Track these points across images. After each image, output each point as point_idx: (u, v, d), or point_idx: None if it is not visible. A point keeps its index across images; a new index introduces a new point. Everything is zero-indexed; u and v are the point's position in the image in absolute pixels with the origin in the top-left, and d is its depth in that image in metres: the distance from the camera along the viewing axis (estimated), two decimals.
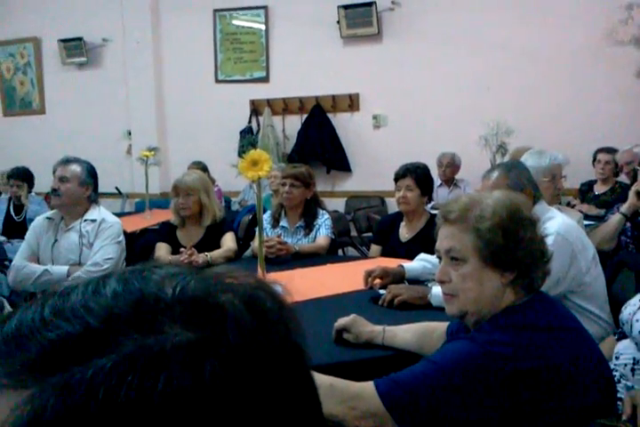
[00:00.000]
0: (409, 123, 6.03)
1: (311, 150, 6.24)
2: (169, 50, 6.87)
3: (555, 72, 5.49)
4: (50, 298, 0.39)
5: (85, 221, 2.89)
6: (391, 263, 2.61)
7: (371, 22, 5.94)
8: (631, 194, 3.04)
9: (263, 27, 6.52)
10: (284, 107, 6.47)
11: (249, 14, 6.59)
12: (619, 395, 1.69)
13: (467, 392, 1.21)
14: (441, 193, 5.43)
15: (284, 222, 3.41)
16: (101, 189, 3.09)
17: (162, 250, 3.24)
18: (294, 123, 6.44)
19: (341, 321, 1.76)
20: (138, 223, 4.55)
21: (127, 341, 0.35)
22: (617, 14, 5.26)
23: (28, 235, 2.95)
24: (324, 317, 1.89)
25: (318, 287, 2.41)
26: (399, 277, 2.47)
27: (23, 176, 5.02)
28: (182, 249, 3.04)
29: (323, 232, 3.32)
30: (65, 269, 2.81)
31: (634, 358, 1.80)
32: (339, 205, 6.12)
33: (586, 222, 3.27)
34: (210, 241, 3.23)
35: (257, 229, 2.53)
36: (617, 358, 1.85)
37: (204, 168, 5.63)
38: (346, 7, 5.95)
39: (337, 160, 6.28)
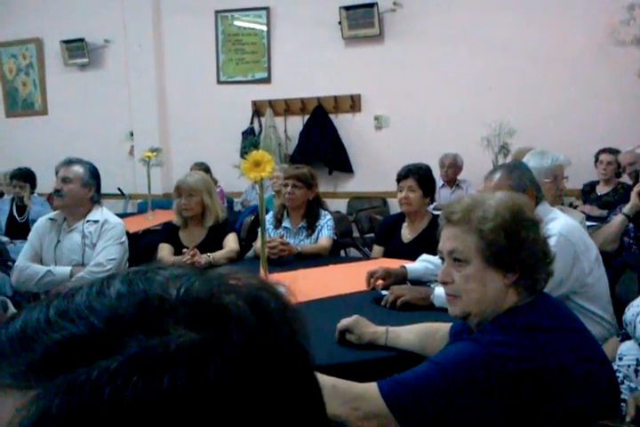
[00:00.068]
0: (411, 123, 6.03)
1: (313, 151, 6.24)
2: (171, 51, 6.88)
3: (557, 72, 5.49)
4: (55, 299, 0.39)
5: (88, 221, 2.90)
6: (393, 264, 2.61)
7: (372, 23, 5.94)
8: (633, 195, 3.04)
9: (265, 28, 6.53)
10: (286, 108, 6.47)
11: (251, 15, 6.59)
12: (622, 396, 1.68)
13: (469, 393, 1.21)
14: (443, 194, 5.43)
15: (286, 223, 3.41)
16: (104, 189, 3.10)
17: (164, 251, 3.24)
18: (296, 124, 6.45)
19: (344, 322, 1.76)
20: (140, 224, 4.55)
21: (132, 342, 0.35)
22: (619, 15, 5.25)
23: (30, 236, 2.96)
24: (327, 317, 1.89)
25: (321, 288, 2.41)
26: (401, 277, 2.47)
27: (26, 177, 5.03)
28: (185, 250, 3.04)
29: (325, 233, 3.32)
30: (68, 269, 2.81)
31: (637, 360, 1.80)
32: (341, 205, 6.12)
33: (588, 223, 3.26)
34: (212, 242, 3.23)
35: (259, 229, 2.53)
36: (620, 359, 1.84)
37: (207, 169, 5.63)
38: (347, 8, 5.95)
39: (339, 161, 6.28)
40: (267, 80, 6.59)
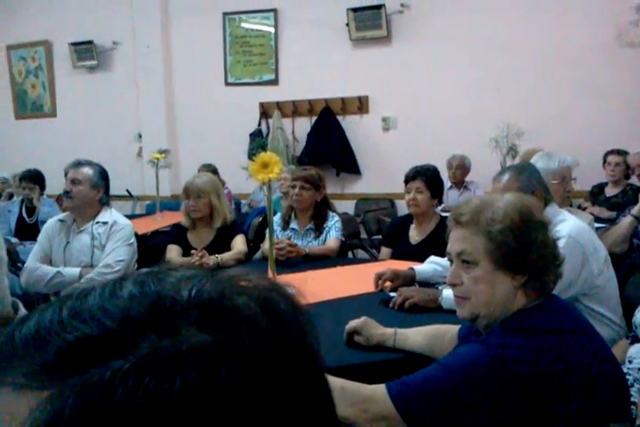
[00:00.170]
0: (418, 125, 6.02)
1: (321, 153, 6.25)
2: (179, 53, 6.90)
3: (565, 74, 5.47)
4: (68, 300, 0.39)
5: (97, 223, 2.91)
6: (401, 266, 2.61)
7: (380, 25, 5.94)
8: None
9: (272, 30, 6.54)
10: (294, 109, 6.47)
11: (258, 17, 6.61)
12: (632, 399, 1.67)
13: (478, 395, 1.21)
14: (451, 195, 5.42)
15: (294, 225, 3.41)
16: (112, 191, 3.11)
17: (172, 252, 3.25)
18: (304, 125, 6.45)
19: (352, 323, 1.76)
20: (149, 225, 4.57)
21: (144, 343, 0.35)
22: (627, 16, 5.23)
23: (40, 237, 2.97)
24: (335, 319, 1.89)
25: (328, 290, 2.40)
26: (410, 279, 2.47)
27: (35, 179, 5.06)
28: (193, 251, 3.05)
29: (333, 234, 3.31)
30: (77, 270, 2.82)
31: None
32: (348, 207, 6.12)
33: (597, 225, 3.25)
34: (220, 243, 3.24)
35: (267, 231, 2.53)
36: (630, 361, 1.83)
37: (215, 170, 5.64)
38: (355, 10, 5.95)
39: (346, 162, 6.28)
40: (274, 82, 6.60)
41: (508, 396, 1.19)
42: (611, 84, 5.33)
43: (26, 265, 2.91)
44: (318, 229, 3.34)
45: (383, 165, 6.11)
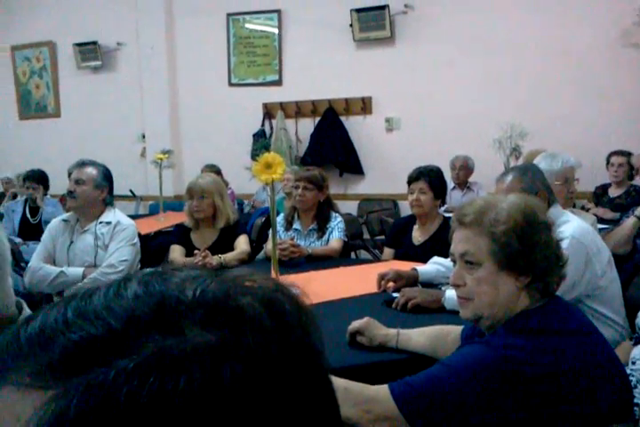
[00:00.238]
0: (422, 126, 6.02)
1: (324, 153, 6.25)
2: (183, 53, 6.91)
3: (569, 75, 5.46)
4: (72, 300, 0.39)
5: (101, 223, 2.91)
6: (404, 266, 2.60)
7: (384, 25, 5.94)
8: None
9: (276, 30, 6.55)
10: (297, 110, 6.48)
11: (262, 18, 6.62)
12: (635, 400, 1.67)
13: (481, 396, 1.21)
14: (454, 196, 5.42)
15: (296, 225, 3.42)
16: (116, 191, 3.11)
17: (176, 252, 3.26)
18: (307, 126, 6.46)
19: (355, 324, 1.76)
20: (152, 226, 4.57)
21: (148, 342, 0.35)
22: (631, 17, 5.22)
23: (44, 237, 2.98)
24: (338, 319, 1.89)
25: (331, 290, 2.41)
26: (413, 280, 2.46)
27: (38, 178, 5.07)
28: (196, 251, 3.05)
29: (335, 235, 3.32)
30: (80, 270, 2.83)
31: None
32: (351, 207, 6.12)
33: (601, 226, 3.25)
34: (223, 243, 3.24)
35: (270, 231, 2.53)
36: (633, 362, 1.83)
37: (218, 171, 5.65)
38: (359, 10, 5.95)
39: (350, 163, 6.28)
40: (278, 82, 6.60)
41: (511, 397, 1.19)
42: (614, 85, 5.32)
43: (29, 265, 2.91)
44: (321, 230, 3.35)
45: (386, 166, 6.11)
